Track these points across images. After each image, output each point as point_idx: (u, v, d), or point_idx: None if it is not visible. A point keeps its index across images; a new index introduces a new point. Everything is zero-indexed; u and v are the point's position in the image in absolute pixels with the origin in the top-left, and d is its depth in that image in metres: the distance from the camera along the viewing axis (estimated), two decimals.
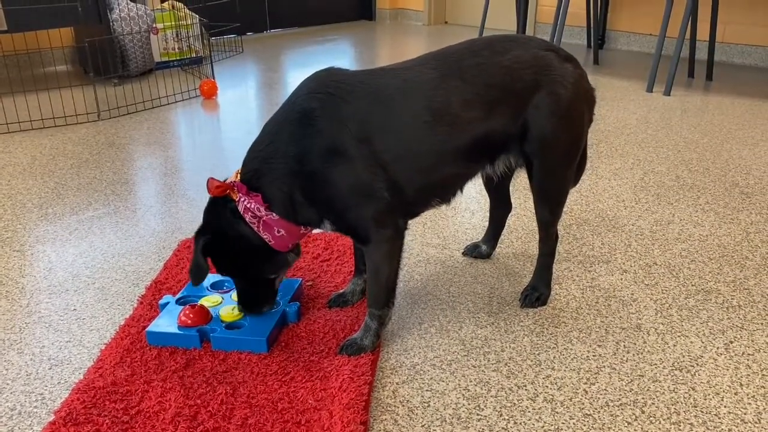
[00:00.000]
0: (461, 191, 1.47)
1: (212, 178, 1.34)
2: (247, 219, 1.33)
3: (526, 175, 1.49)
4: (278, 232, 1.34)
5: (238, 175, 1.35)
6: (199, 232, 1.36)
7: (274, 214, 1.32)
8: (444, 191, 1.43)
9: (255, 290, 1.44)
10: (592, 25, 4.40)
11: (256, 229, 1.33)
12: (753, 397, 1.28)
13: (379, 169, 1.29)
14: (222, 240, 1.35)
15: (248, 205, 1.31)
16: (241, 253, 1.37)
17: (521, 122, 1.40)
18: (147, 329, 1.44)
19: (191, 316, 1.45)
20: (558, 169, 1.48)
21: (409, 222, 1.42)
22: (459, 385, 1.33)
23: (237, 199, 1.32)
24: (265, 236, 1.34)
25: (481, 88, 1.35)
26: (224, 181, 1.36)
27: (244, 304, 1.46)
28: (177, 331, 1.43)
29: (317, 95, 1.31)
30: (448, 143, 1.34)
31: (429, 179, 1.37)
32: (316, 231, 1.84)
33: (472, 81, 1.35)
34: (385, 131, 1.30)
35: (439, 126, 1.33)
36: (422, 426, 1.22)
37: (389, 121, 1.31)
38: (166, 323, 1.46)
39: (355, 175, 1.28)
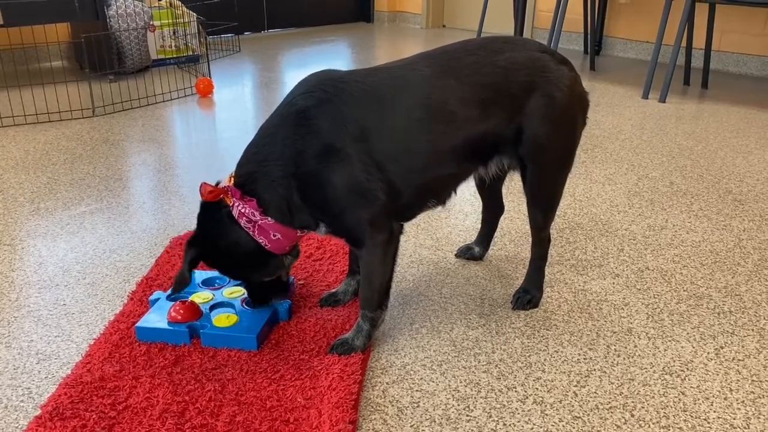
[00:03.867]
0: (455, 192, 1.46)
1: (205, 183, 1.32)
2: (242, 223, 1.32)
3: (518, 178, 1.49)
4: (274, 235, 1.33)
5: (232, 179, 1.34)
6: (191, 242, 1.35)
7: (269, 219, 1.32)
8: (439, 192, 1.42)
9: (262, 286, 1.45)
10: (589, 31, 4.41)
11: (251, 233, 1.33)
12: (742, 402, 1.28)
13: (375, 169, 1.29)
14: (218, 245, 1.35)
15: (243, 210, 1.31)
16: (238, 257, 1.36)
17: (516, 124, 1.39)
18: (136, 325, 1.43)
19: (181, 311, 1.45)
20: (552, 173, 1.48)
21: (404, 225, 1.41)
22: (449, 385, 1.32)
23: (231, 204, 1.31)
24: (260, 240, 1.33)
25: (476, 87, 1.35)
26: (217, 184, 1.35)
27: (254, 300, 1.48)
28: (167, 326, 1.42)
29: (313, 94, 1.30)
30: (443, 142, 1.34)
31: (424, 179, 1.36)
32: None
33: (468, 80, 1.35)
34: (381, 130, 1.30)
35: (434, 124, 1.32)
36: (411, 426, 1.21)
37: (385, 120, 1.30)
38: (155, 319, 1.45)
39: (351, 175, 1.27)
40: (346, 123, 1.28)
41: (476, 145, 1.38)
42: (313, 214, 1.33)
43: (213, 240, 1.35)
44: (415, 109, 1.31)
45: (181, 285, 1.34)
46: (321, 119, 1.28)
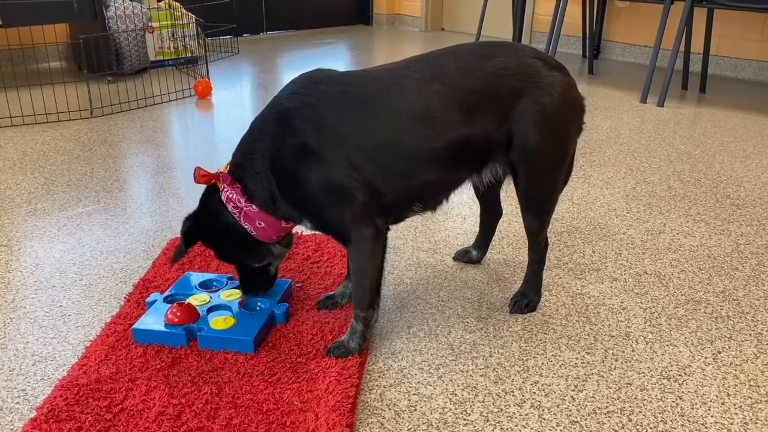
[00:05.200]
0: (447, 199, 1.45)
1: (199, 167, 1.37)
2: (229, 208, 1.36)
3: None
4: (259, 224, 1.37)
5: (228, 166, 1.39)
6: (187, 218, 1.41)
7: (254, 207, 1.35)
8: (425, 197, 1.42)
9: (251, 275, 1.49)
10: (587, 35, 4.42)
11: (238, 218, 1.37)
12: (740, 407, 1.28)
13: (353, 171, 1.30)
14: (210, 226, 1.41)
15: (230, 196, 1.35)
16: (228, 240, 1.42)
17: (505, 129, 1.39)
18: (133, 327, 1.43)
19: (178, 314, 1.44)
20: (543, 179, 1.47)
21: (399, 226, 1.41)
22: (446, 389, 1.32)
23: (221, 189, 1.36)
24: (246, 226, 1.37)
25: (461, 92, 1.34)
26: (218, 171, 1.40)
27: (241, 286, 1.52)
28: (163, 329, 1.42)
29: (297, 96, 1.33)
30: (424, 146, 1.33)
31: (407, 183, 1.36)
32: (307, 232, 1.84)
33: (453, 85, 1.34)
34: (360, 133, 1.31)
35: (415, 129, 1.32)
36: (408, 430, 1.21)
37: (365, 123, 1.31)
38: (152, 321, 1.45)
39: (326, 176, 1.29)
40: (324, 126, 1.30)
41: (461, 151, 1.37)
42: (296, 210, 1.36)
43: (206, 221, 1.41)
44: (397, 113, 1.32)
45: (177, 255, 1.39)
46: (301, 120, 1.31)
